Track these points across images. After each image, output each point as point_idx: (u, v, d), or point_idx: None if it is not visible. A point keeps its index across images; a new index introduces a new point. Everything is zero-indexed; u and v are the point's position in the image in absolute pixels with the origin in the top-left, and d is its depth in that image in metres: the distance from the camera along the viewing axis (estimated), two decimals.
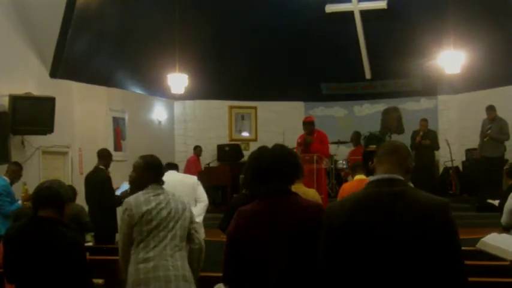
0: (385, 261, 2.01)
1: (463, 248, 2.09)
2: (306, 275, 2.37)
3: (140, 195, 3.53)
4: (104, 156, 6.94)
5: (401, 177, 2.13)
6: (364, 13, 11.25)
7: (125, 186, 6.96)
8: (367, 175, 6.03)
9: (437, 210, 2.03)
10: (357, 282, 2.05)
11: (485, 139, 10.11)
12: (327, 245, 2.14)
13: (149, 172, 3.62)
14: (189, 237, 3.60)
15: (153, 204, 3.48)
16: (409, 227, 2.00)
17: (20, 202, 6.52)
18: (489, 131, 10.00)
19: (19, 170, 6.83)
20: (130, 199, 3.54)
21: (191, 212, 3.64)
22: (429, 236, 1.99)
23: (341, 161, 11.13)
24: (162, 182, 3.64)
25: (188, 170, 10.99)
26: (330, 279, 2.12)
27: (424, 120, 10.79)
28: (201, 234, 3.75)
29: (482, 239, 4.83)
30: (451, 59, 9.37)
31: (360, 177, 6.01)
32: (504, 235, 5.02)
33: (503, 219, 5.54)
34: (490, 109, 10.06)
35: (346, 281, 2.07)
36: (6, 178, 6.61)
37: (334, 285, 2.10)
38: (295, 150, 8.52)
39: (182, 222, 3.51)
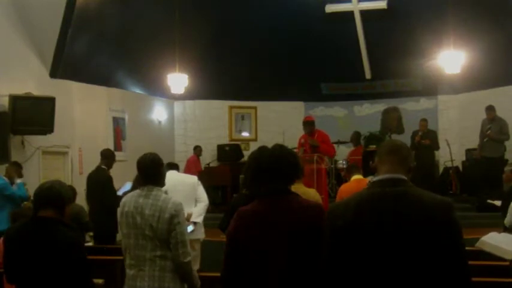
0: (389, 261, 2.01)
1: None
2: (306, 275, 2.37)
3: (130, 195, 3.48)
4: (107, 156, 6.96)
5: (404, 177, 2.14)
6: (364, 13, 11.25)
7: (128, 186, 6.97)
8: (365, 175, 6.04)
9: (441, 210, 2.03)
10: (360, 282, 2.05)
11: (485, 139, 10.10)
12: (331, 244, 2.14)
13: (138, 172, 3.52)
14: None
15: (132, 207, 3.36)
16: (413, 227, 2.01)
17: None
18: (489, 131, 10.00)
19: (19, 170, 6.84)
20: (126, 196, 3.55)
21: (171, 224, 3.27)
22: (433, 235, 1.99)
23: (341, 161, 11.13)
24: (152, 183, 3.41)
25: (188, 170, 10.99)
26: (333, 279, 2.11)
27: (424, 120, 10.78)
28: (188, 248, 3.36)
29: (482, 238, 4.83)
30: (451, 59, 9.36)
31: (356, 177, 6.02)
32: (504, 234, 5.00)
33: (508, 219, 5.53)
34: (490, 109, 10.05)
35: (350, 281, 2.07)
36: (5, 178, 6.62)
37: (337, 285, 2.10)
38: (296, 150, 8.60)
39: (160, 232, 3.26)
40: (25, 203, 6.42)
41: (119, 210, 3.48)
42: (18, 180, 6.65)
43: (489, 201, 8.97)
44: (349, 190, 5.45)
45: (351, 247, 2.07)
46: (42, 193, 3.03)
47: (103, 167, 6.87)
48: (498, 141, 9.98)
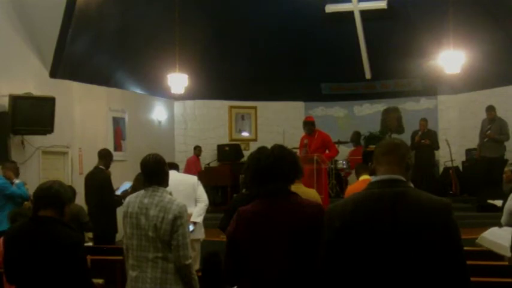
0: (387, 261, 2.00)
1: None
2: (306, 274, 2.37)
3: (134, 195, 3.47)
4: (104, 156, 6.96)
5: (402, 178, 2.13)
6: (364, 13, 11.25)
7: (126, 185, 6.97)
8: (371, 175, 6.02)
9: (439, 211, 2.02)
10: (358, 282, 2.05)
11: (485, 139, 10.09)
12: (328, 245, 2.14)
13: (142, 173, 3.53)
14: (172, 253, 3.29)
15: (136, 208, 3.36)
16: (411, 228, 2.00)
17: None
18: (489, 132, 10.00)
19: (15, 169, 6.82)
20: (130, 196, 3.54)
21: (174, 226, 3.26)
22: (431, 236, 1.98)
23: (341, 161, 11.13)
24: (156, 183, 3.41)
25: (188, 170, 11.00)
26: (330, 280, 2.11)
27: (424, 120, 10.79)
28: (189, 250, 3.34)
29: (482, 234, 4.77)
30: (451, 59, 9.36)
31: (364, 177, 6.00)
32: (505, 228, 4.93)
33: (503, 219, 5.53)
34: (490, 109, 10.05)
35: (347, 282, 2.07)
36: (4, 178, 6.62)
37: (335, 285, 2.10)
38: (298, 150, 8.59)
39: (163, 233, 3.26)
40: (25, 203, 6.42)
41: (123, 210, 3.48)
42: (17, 181, 6.65)
43: (489, 201, 8.96)
44: (356, 191, 5.42)
45: (349, 247, 2.06)
46: (42, 193, 3.03)
47: (101, 167, 6.88)
48: (498, 141, 9.98)
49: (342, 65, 11.74)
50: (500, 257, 4.56)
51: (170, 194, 3.46)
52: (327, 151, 8.92)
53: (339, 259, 2.08)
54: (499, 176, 7.94)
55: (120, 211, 4.28)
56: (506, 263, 4.38)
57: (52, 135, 8.04)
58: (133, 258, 3.36)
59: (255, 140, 12.92)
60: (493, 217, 7.51)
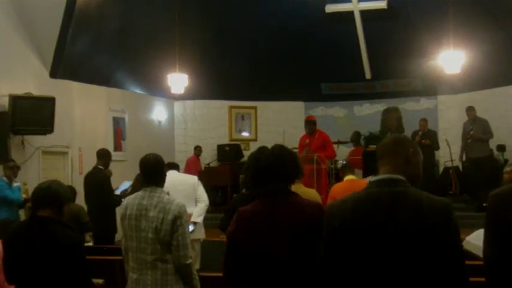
0: (386, 261, 2.00)
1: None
2: (306, 274, 2.36)
3: (132, 197, 3.46)
4: (103, 156, 6.96)
5: (402, 177, 2.12)
6: (364, 13, 11.25)
7: (126, 185, 6.97)
8: (365, 175, 6.05)
9: (439, 211, 2.01)
10: (357, 282, 2.04)
11: (468, 140, 10.16)
12: (327, 245, 2.13)
13: (141, 172, 3.53)
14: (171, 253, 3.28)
15: (134, 210, 3.34)
16: (411, 228, 1.99)
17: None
18: (472, 132, 10.06)
19: (14, 171, 6.81)
20: (128, 198, 3.53)
21: (174, 226, 3.25)
22: (431, 237, 1.97)
23: (341, 161, 11.10)
24: (155, 183, 3.40)
25: (188, 170, 11.00)
26: (329, 280, 2.11)
27: (424, 120, 10.80)
28: (189, 250, 3.34)
29: (467, 238, 4.67)
30: (451, 59, 9.37)
31: (349, 177, 6.03)
32: None
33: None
34: (470, 109, 10.17)
35: (346, 282, 2.06)
36: (5, 179, 6.60)
37: (334, 285, 2.10)
38: (299, 150, 8.59)
39: (163, 234, 3.24)
40: (27, 204, 6.40)
41: (120, 212, 3.47)
42: (15, 184, 6.63)
43: (485, 204, 8.93)
44: (342, 190, 5.46)
45: (348, 247, 2.06)
46: (41, 193, 3.03)
47: (100, 167, 6.88)
48: (483, 140, 10.05)
49: (342, 65, 11.74)
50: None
51: (168, 194, 3.45)
52: None
53: (338, 259, 2.08)
54: (499, 176, 7.93)
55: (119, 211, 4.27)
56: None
57: (52, 135, 8.04)
58: (133, 260, 3.35)
59: (255, 140, 12.92)
60: None
